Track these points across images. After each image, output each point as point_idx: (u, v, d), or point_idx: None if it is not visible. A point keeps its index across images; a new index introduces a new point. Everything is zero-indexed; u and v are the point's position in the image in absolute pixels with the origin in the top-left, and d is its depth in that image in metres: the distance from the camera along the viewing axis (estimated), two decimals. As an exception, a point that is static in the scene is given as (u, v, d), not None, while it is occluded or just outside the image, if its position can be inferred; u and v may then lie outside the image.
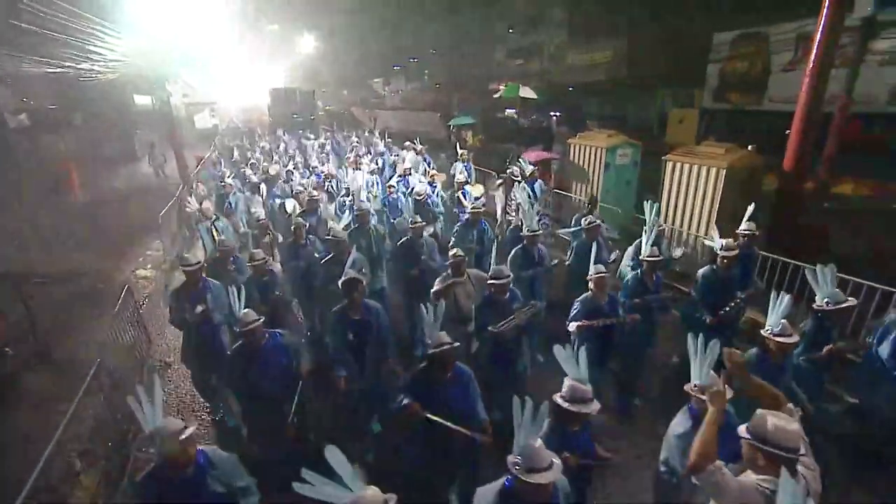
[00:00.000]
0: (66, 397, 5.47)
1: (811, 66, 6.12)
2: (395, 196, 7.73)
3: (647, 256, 4.43)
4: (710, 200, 6.71)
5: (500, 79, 28.51)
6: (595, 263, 4.13)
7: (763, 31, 16.52)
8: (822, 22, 5.96)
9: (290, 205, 7.25)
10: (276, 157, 12.41)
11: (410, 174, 8.74)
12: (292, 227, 5.64)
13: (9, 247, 9.47)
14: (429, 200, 7.37)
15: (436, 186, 8.27)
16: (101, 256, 9.56)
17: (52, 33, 10.43)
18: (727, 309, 4.28)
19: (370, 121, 23.83)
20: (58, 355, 6.11)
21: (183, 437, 2.17)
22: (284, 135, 17.20)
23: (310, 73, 38.51)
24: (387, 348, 3.90)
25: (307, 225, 5.78)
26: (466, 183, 8.49)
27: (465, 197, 8.10)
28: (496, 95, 19.04)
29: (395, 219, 7.24)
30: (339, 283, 3.69)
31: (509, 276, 3.95)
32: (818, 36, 6.03)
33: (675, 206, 7.28)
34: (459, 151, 10.35)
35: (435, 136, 19.22)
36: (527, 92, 15.45)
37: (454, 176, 9.25)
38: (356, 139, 15.47)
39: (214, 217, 6.86)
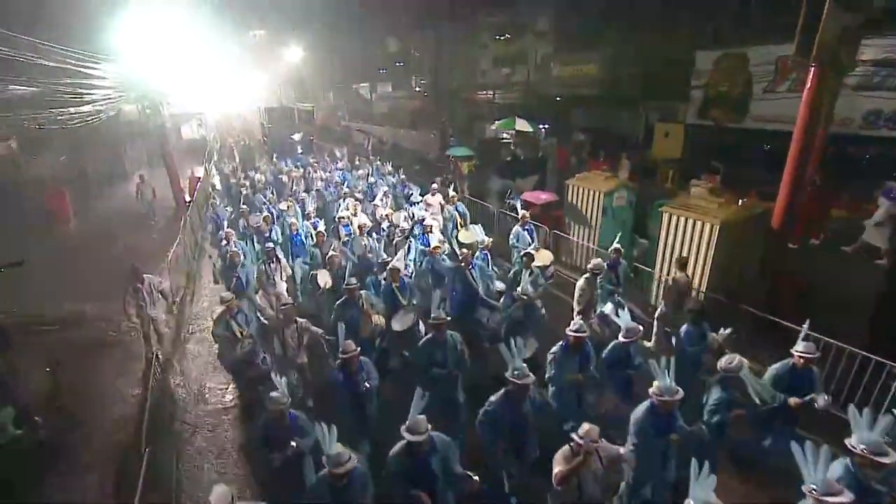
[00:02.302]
0: (102, 463, 5.63)
1: (806, 95, 6.27)
2: (438, 257, 6.93)
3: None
4: (705, 253, 7.09)
5: (485, 88, 28.74)
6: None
7: (743, 53, 17.05)
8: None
9: (323, 278, 6.43)
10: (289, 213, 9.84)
11: (432, 231, 7.79)
12: (339, 358, 4.51)
13: (11, 289, 9.03)
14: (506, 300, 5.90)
15: (485, 255, 7.10)
16: (103, 298, 9.45)
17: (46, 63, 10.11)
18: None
19: (364, 139, 23.82)
20: (85, 418, 6.21)
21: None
22: (287, 165, 16.20)
23: (295, 78, 38.25)
24: None
25: (358, 350, 4.57)
26: (531, 251, 6.89)
27: (531, 275, 6.18)
28: (492, 127, 19.18)
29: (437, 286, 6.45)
30: None
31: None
32: (812, 72, 6.11)
33: (672, 257, 7.55)
34: (521, 212, 8.48)
35: (427, 156, 19.32)
36: (522, 125, 15.68)
37: (513, 245, 7.96)
38: (370, 173, 13.86)
39: (236, 311, 5.61)
